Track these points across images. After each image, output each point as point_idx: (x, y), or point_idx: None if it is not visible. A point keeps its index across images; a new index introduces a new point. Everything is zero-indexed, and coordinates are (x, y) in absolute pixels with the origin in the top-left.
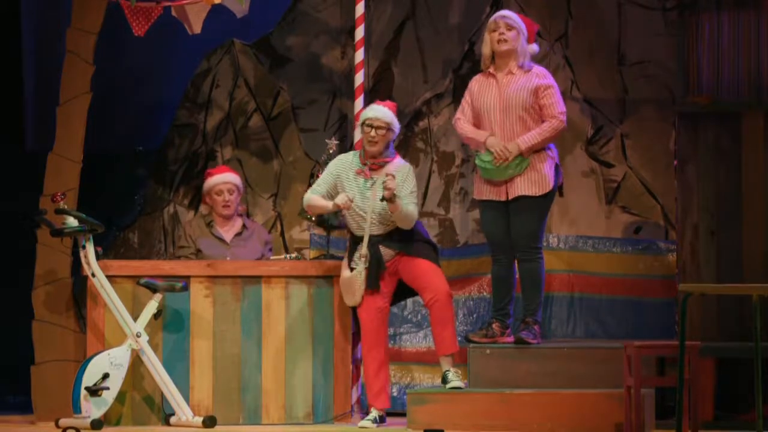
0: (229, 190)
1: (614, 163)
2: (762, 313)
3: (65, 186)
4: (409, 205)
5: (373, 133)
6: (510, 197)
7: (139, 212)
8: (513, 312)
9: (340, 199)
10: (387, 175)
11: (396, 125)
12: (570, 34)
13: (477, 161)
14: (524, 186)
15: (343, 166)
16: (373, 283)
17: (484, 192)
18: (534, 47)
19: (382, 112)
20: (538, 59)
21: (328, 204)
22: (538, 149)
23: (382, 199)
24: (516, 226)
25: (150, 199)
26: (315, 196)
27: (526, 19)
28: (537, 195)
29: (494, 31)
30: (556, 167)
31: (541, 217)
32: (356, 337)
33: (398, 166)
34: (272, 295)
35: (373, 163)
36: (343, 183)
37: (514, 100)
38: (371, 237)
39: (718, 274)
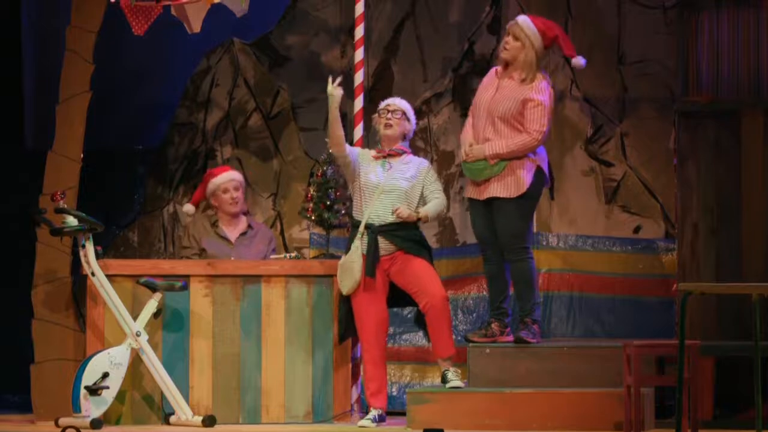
0: (236, 187)
1: (614, 162)
2: (762, 312)
3: (65, 185)
4: (436, 199)
5: (389, 116)
6: (484, 197)
7: (138, 211)
8: (511, 310)
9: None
10: (397, 209)
11: (411, 116)
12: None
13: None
14: (498, 188)
15: (368, 152)
16: (369, 270)
17: (469, 190)
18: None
19: (398, 99)
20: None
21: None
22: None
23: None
24: (498, 227)
25: (150, 197)
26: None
27: (547, 24)
28: (510, 197)
29: (507, 35)
30: (538, 170)
31: (522, 217)
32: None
33: (419, 165)
34: (272, 295)
35: (390, 150)
36: (362, 161)
37: (500, 105)
38: (374, 225)
39: (717, 273)
